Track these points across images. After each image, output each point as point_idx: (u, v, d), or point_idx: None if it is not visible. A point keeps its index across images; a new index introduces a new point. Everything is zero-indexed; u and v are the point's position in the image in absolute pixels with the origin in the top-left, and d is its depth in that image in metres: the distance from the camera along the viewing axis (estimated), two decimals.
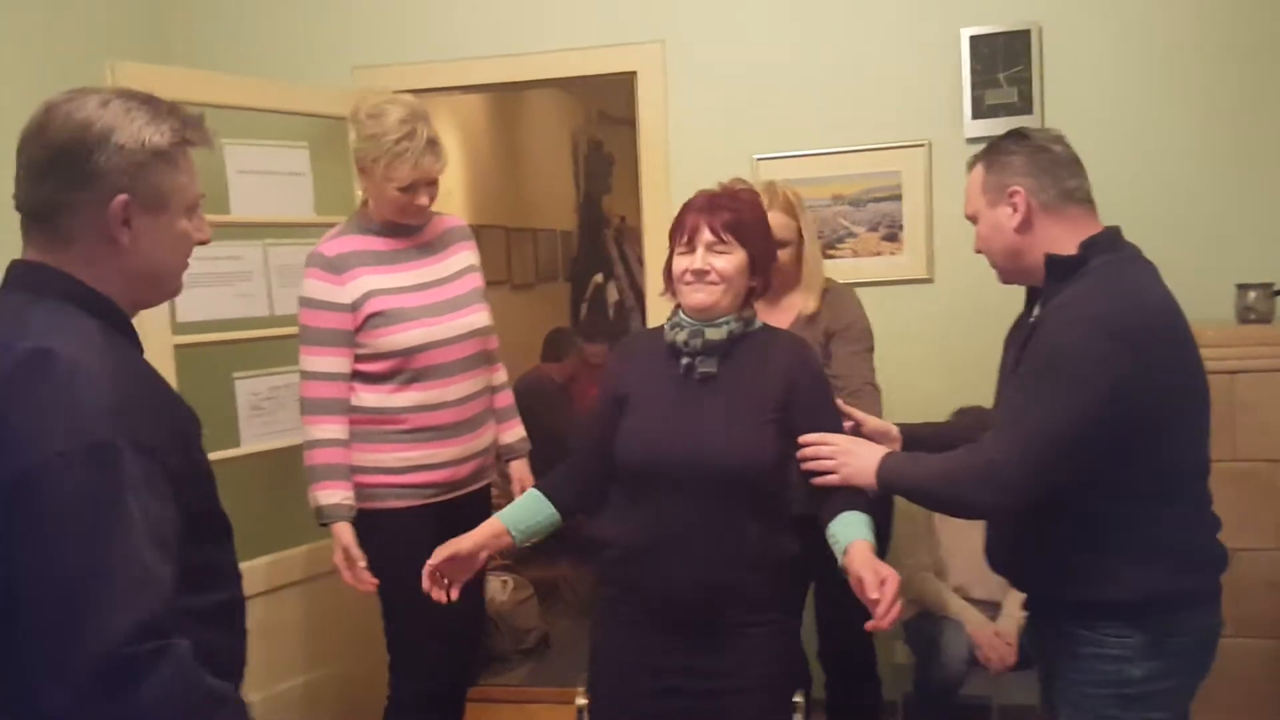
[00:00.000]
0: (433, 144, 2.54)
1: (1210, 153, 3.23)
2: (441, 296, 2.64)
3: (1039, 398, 1.77)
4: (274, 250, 3.29)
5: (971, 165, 2.01)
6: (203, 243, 1.45)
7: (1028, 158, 1.91)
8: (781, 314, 2.70)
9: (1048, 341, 1.79)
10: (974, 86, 3.32)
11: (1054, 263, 1.86)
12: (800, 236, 2.76)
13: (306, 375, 2.59)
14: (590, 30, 3.57)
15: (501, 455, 2.86)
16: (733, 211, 2.02)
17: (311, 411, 2.58)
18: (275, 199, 3.31)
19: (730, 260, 2.00)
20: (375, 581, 2.53)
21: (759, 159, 3.46)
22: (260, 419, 3.26)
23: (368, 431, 2.60)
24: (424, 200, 2.58)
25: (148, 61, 3.31)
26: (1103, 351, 1.73)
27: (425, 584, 2.05)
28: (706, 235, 2.00)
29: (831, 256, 3.36)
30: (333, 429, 2.57)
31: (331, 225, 3.38)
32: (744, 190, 2.16)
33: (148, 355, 3.29)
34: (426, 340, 2.57)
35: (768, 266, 2.10)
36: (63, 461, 1.15)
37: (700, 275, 2.00)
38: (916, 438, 2.18)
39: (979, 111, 3.32)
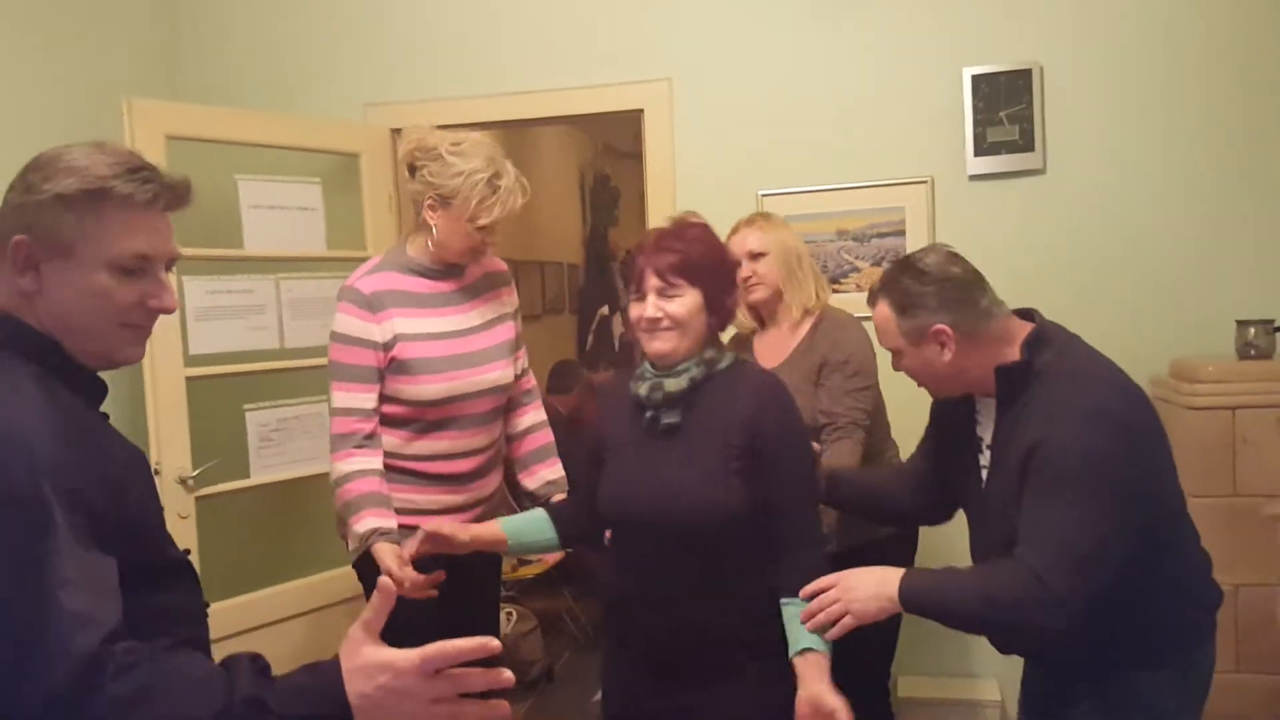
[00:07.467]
0: (520, 183, 2.49)
1: (1209, 189, 3.27)
2: (468, 348, 2.56)
3: (1065, 507, 1.72)
4: (286, 284, 3.35)
5: (872, 302, 1.96)
6: (161, 310, 1.38)
7: (937, 293, 1.87)
8: (774, 347, 2.65)
9: (1058, 448, 1.73)
10: (976, 124, 3.37)
11: (1005, 373, 1.85)
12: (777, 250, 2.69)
13: (337, 411, 2.48)
14: (598, 68, 3.62)
15: (539, 493, 2.72)
16: (679, 252, 1.93)
17: (343, 447, 2.46)
18: (288, 233, 3.37)
19: (682, 303, 1.92)
20: (439, 575, 2.29)
21: (764, 194, 3.51)
22: (270, 450, 3.30)
23: None
24: (495, 240, 2.54)
25: (162, 99, 3.38)
26: (1114, 450, 1.72)
27: (408, 552, 2.15)
28: (654, 280, 1.92)
29: (837, 291, 3.40)
30: (366, 460, 2.45)
31: (342, 259, 3.45)
32: (693, 226, 2.02)
33: (160, 387, 3.27)
34: (447, 395, 2.51)
35: (724, 301, 1.99)
36: None
37: (654, 323, 1.93)
38: (838, 479, 2.20)
39: (981, 149, 3.37)
